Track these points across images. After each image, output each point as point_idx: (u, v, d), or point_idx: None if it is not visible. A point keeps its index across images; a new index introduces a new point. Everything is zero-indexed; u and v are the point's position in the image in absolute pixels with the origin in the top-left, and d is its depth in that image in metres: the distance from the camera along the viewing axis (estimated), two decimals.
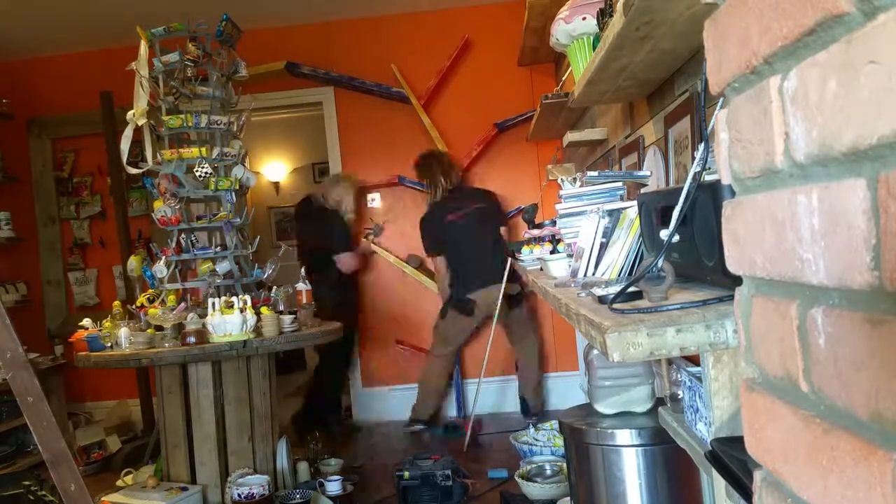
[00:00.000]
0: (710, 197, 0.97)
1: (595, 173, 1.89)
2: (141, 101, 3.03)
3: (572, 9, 2.19)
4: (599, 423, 1.97)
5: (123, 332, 2.98)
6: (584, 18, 2.15)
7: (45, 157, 4.93)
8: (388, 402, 4.70)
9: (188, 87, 3.16)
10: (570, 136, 3.24)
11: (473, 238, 4.20)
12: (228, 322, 2.84)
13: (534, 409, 4.36)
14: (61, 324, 4.83)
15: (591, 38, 2.19)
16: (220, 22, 3.17)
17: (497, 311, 3.98)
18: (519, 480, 2.93)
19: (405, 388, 4.59)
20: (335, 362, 4.51)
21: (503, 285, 3.92)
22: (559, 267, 1.90)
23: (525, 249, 2.42)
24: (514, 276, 4.01)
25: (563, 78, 3.42)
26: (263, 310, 2.99)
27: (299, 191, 6.43)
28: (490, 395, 4.64)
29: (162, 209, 3.09)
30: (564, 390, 4.46)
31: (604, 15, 1.94)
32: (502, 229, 4.35)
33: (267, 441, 3.12)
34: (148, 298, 3.15)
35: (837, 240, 0.48)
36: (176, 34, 3.09)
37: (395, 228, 4.73)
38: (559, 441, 3.30)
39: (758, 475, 0.66)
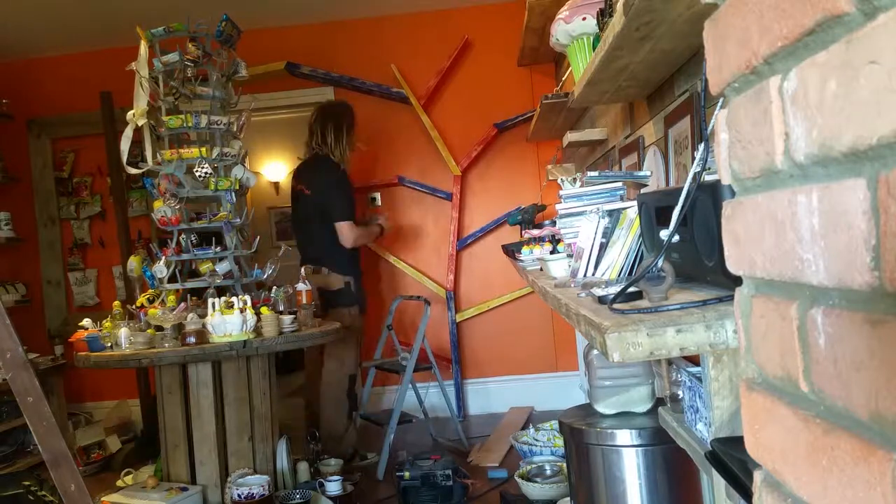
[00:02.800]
0: (710, 197, 0.97)
1: (595, 173, 1.90)
2: (141, 102, 3.03)
3: (572, 9, 2.20)
4: (599, 423, 1.97)
5: (123, 332, 2.98)
6: (584, 18, 2.15)
7: (45, 157, 4.92)
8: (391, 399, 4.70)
9: (188, 87, 3.15)
10: (570, 137, 3.24)
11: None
12: (228, 322, 2.84)
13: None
14: (61, 324, 4.83)
15: (591, 39, 2.20)
16: (219, 22, 3.17)
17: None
18: (519, 480, 2.93)
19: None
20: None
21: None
22: (559, 267, 1.90)
23: (525, 249, 2.42)
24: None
25: (563, 78, 3.42)
26: (263, 310, 2.99)
27: None
28: (488, 395, 4.64)
29: (162, 209, 3.09)
30: (564, 390, 4.46)
31: (604, 15, 1.94)
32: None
33: (267, 441, 3.12)
34: (148, 299, 3.16)
35: (837, 240, 0.48)
36: (176, 34, 3.09)
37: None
38: (559, 441, 3.30)
39: (758, 475, 0.66)
